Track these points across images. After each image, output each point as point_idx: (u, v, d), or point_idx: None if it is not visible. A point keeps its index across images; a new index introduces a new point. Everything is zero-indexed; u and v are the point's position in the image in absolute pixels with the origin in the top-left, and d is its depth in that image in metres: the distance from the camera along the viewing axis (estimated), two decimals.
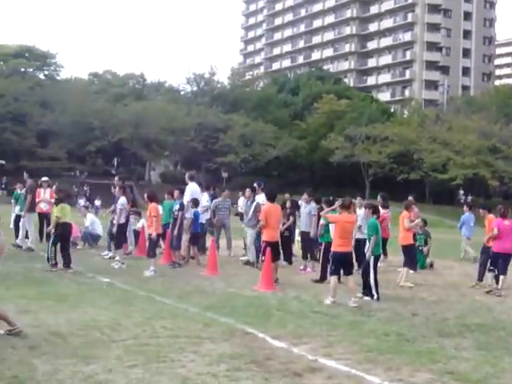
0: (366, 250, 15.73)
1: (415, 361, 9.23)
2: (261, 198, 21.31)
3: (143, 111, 73.43)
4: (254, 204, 20.05)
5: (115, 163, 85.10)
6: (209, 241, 21.31)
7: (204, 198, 21.60)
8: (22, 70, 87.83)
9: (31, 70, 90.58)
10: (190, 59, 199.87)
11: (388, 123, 77.72)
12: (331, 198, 19.92)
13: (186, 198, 20.16)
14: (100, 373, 8.02)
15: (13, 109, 68.69)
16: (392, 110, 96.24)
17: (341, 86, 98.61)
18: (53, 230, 17.72)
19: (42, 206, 22.48)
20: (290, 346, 9.79)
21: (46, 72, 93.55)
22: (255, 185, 22.37)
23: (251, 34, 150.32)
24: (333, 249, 14.34)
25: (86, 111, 71.78)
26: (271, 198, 17.19)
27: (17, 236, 22.35)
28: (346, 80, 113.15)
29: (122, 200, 19.27)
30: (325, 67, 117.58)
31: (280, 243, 17.74)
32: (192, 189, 20.68)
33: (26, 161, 68.47)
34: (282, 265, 19.12)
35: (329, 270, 15.15)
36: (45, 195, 22.75)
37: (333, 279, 14.09)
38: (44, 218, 22.69)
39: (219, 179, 70.64)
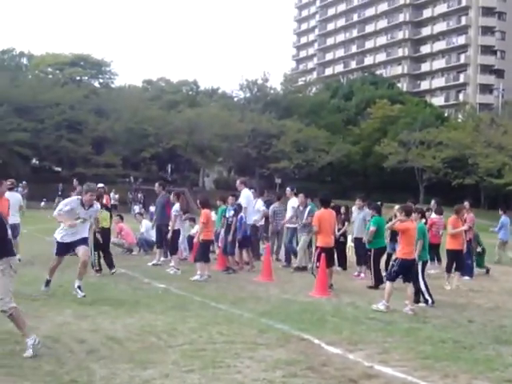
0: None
1: (472, 368, 9.13)
2: (293, 202, 21.42)
3: (197, 118, 73.64)
4: (308, 209, 20.04)
5: (169, 170, 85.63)
6: (263, 247, 21.36)
7: (259, 204, 21.64)
8: (78, 78, 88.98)
9: (86, 78, 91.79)
10: (243, 65, 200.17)
11: (442, 128, 76.89)
12: (379, 203, 19.85)
13: (245, 204, 20.14)
14: (157, 378, 8.10)
15: (68, 117, 69.36)
16: (446, 115, 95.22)
17: (394, 91, 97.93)
18: (91, 237, 18.08)
19: None
20: (345, 353, 9.77)
21: (101, 80, 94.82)
22: (288, 189, 22.52)
23: (304, 40, 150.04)
24: (401, 256, 14.16)
25: (140, 118, 72.23)
26: (325, 204, 17.15)
27: None
28: (399, 85, 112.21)
29: (176, 206, 19.44)
30: (378, 72, 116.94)
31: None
32: (247, 194, 20.70)
33: (81, 168, 69.16)
34: (337, 271, 19.09)
35: (387, 275, 15.02)
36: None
37: (389, 285, 14.01)
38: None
39: (273, 185, 70.61)
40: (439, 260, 20.99)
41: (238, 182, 21.93)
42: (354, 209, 20.90)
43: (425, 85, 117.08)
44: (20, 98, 67.59)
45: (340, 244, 19.95)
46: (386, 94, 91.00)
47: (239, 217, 19.81)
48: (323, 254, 15.89)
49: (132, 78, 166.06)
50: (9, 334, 9.91)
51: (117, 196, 54.28)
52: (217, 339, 10.22)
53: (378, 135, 79.93)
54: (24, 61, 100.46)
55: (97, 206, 14.81)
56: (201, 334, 10.55)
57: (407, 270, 14.08)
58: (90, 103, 73.98)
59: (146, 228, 22.92)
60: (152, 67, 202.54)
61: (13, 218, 19.82)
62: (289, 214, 21.90)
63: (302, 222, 20.26)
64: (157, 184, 21.85)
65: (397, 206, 19.61)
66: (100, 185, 24.08)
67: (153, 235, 22.96)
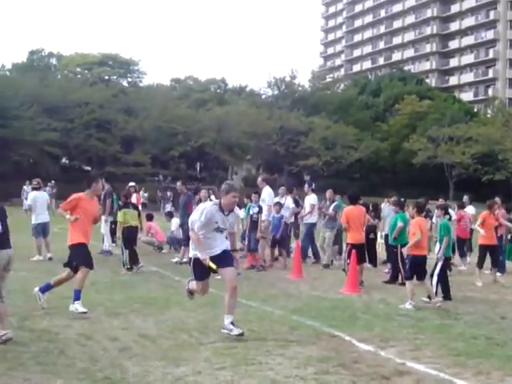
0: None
1: (505, 365, 9.05)
2: (310, 198, 21.39)
3: (225, 116, 73.78)
4: (333, 206, 19.99)
5: (198, 168, 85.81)
6: (293, 244, 21.34)
7: (288, 201, 21.62)
8: (106, 77, 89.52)
9: (115, 77, 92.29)
10: (271, 63, 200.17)
11: (471, 123, 76.31)
12: (403, 199, 19.76)
13: (268, 202, 20.10)
14: (189, 375, 8.14)
15: (98, 116, 69.77)
16: (475, 110, 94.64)
17: (422, 87, 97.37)
18: (119, 235, 18.56)
19: None
20: (377, 349, 9.75)
21: (130, 79, 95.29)
22: (306, 186, 22.54)
23: (331, 37, 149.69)
24: (412, 253, 14.14)
25: (168, 117, 72.43)
26: (353, 201, 17.12)
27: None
28: (427, 80, 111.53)
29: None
30: (406, 68, 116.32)
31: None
32: (269, 192, 20.61)
33: (111, 167, 69.54)
34: (367, 267, 19.05)
35: (404, 274, 14.90)
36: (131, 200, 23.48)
37: (409, 283, 13.97)
38: None
39: (301, 182, 70.50)
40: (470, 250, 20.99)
41: (259, 179, 21.85)
42: (384, 205, 20.82)
43: (453, 80, 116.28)
44: (50, 98, 68.20)
45: (370, 241, 19.88)
46: (414, 89, 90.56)
47: (279, 215, 19.83)
48: (353, 251, 15.87)
49: (160, 76, 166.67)
50: (43, 332, 10.03)
51: (146, 194, 54.52)
52: (248, 336, 10.24)
53: (407, 131, 79.58)
54: (53, 61, 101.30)
55: (237, 210, 11.92)
56: None
57: (419, 267, 14.06)
58: (118, 102, 74.39)
59: (176, 226, 22.97)
60: (180, 66, 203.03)
61: (42, 217, 20.10)
62: (307, 210, 21.88)
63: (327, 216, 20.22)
64: (179, 183, 22.00)
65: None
66: (131, 183, 24.42)
67: None
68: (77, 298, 11.59)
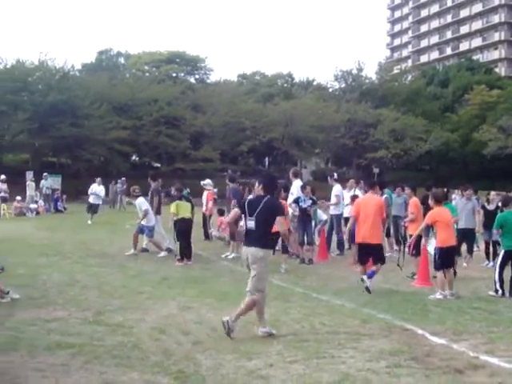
0: None
1: None
2: (336, 188, 21.24)
3: (292, 110, 73.61)
4: (384, 197, 19.73)
5: (267, 162, 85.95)
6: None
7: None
8: (174, 75, 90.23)
9: (182, 74, 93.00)
10: (337, 56, 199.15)
11: None
12: (445, 190, 19.49)
13: (296, 194, 19.87)
14: (262, 368, 8.20)
15: (166, 113, 70.37)
16: None
17: (492, 76, 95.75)
18: (171, 226, 19.08)
19: (203, 208, 23.74)
20: (449, 343, 9.67)
21: (197, 76, 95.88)
22: (328, 177, 22.42)
23: (397, 28, 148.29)
24: (438, 245, 14.00)
25: (236, 112, 72.64)
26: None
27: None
28: (496, 70, 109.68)
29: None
30: (474, 57, 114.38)
31: None
32: (298, 185, 20.40)
33: (180, 163, 70.23)
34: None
35: (434, 265, 14.61)
36: (203, 197, 24.42)
37: (439, 274, 13.83)
38: (204, 218, 24.36)
39: (370, 175, 70.11)
40: None
41: (290, 173, 21.57)
42: (456, 197, 20.53)
43: None
44: (119, 96, 69.23)
45: None
46: (483, 79, 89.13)
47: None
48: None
49: (227, 72, 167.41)
50: (118, 327, 10.20)
51: (215, 190, 54.79)
52: (319, 330, 10.27)
53: (477, 122, 78.30)
54: (121, 60, 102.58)
55: None
56: (303, 324, 10.62)
57: (447, 257, 13.92)
58: (186, 99, 74.92)
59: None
60: (247, 61, 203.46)
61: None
62: (333, 201, 21.73)
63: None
64: (227, 176, 22.22)
65: (493, 192, 19.22)
66: (207, 181, 24.69)
67: None
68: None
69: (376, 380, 7.81)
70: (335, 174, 22.87)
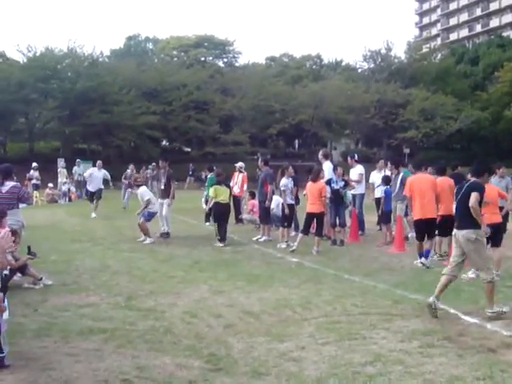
0: None
1: None
2: (358, 169, 21.11)
3: (322, 91, 73.27)
4: (400, 177, 19.55)
5: (296, 145, 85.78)
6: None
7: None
8: (202, 59, 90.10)
9: (211, 58, 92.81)
10: (366, 36, 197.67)
11: None
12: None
13: (327, 176, 19.75)
14: (293, 350, 8.18)
15: (195, 97, 70.41)
16: None
17: None
18: (207, 209, 20.23)
19: (235, 190, 23.59)
20: (482, 322, 9.60)
21: (225, 59, 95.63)
22: (348, 158, 22.28)
23: (426, 6, 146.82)
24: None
25: (265, 95, 72.43)
26: (441, 172, 16.73)
27: (208, 219, 23.36)
28: None
29: (284, 181, 19.31)
30: (504, 34, 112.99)
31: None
32: (328, 166, 20.30)
33: (210, 147, 70.36)
34: None
35: None
36: (237, 179, 24.55)
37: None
38: (236, 201, 24.35)
39: (401, 155, 69.71)
40: None
41: (320, 154, 21.48)
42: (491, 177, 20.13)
43: None
44: (148, 82, 69.42)
45: None
46: None
47: (385, 189, 19.60)
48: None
49: (255, 55, 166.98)
50: (149, 311, 10.25)
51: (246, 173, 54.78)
52: (351, 311, 10.24)
53: (508, 99, 77.37)
54: (149, 46, 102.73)
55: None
56: (335, 306, 10.59)
57: (494, 235, 13.48)
58: (215, 83, 74.88)
59: (277, 203, 23.03)
60: (275, 44, 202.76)
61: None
62: (356, 179, 21.51)
63: (395, 189, 19.63)
64: (260, 159, 22.17)
65: None
66: (240, 164, 24.77)
67: None
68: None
69: (408, 360, 7.76)
70: (355, 155, 22.70)
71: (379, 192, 20.73)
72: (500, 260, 13.76)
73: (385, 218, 19.75)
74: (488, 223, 13.38)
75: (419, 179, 15.82)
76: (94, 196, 29.19)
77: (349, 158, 22.54)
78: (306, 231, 17.61)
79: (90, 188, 29.80)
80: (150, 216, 19.77)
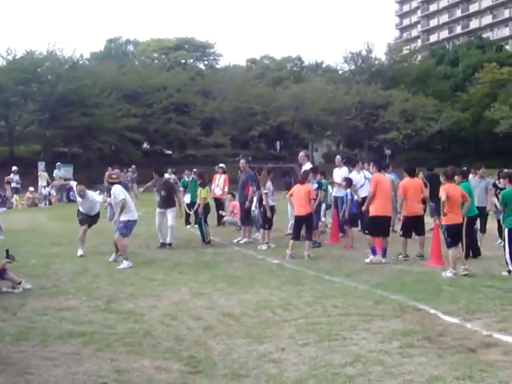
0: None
1: None
2: (343, 170, 21.04)
3: (302, 93, 73.33)
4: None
5: (278, 147, 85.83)
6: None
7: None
8: (183, 61, 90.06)
9: (191, 60, 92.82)
10: (346, 38, 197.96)
11: None
12: (465, 168, 19.37)
13: None
14: (273, 351, 8.17)
15: (176, 100, 70.31)
16: None
17: (502, 54, 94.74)
18: (201, 211, 19.39)
19: (216, 192, 23.77)
20: (463, 322, 9.61)
21: (206, 62, 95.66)
22: (338, 157, 22.22)
23: (406, 8, 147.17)
24: (445, 222, 14.00)
25: (246, 97, 72.39)
26: (411, 173, 16.91)
27: (189, 222, 23.36)
28: (507, 47, 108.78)
29: (268, 184, 19.19)
30: (484, 35, 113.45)
31: None
32: (309, 168, 20.19)
33: (191, 149, 70.35)
34: None
35: (446, 242, 14.53)
36: (219, 181, 24.34)
37: (451, 252, 13.86)
38: (220, 203, 24.45)
39: (382, 156, 69.87)
40: None
41: (300, 154, 21.37)
42: (471, 177, 20.20)
43: None
44: (128, 84, 69.25)
45: None
46: (493, 57, 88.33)
47: (347, 192, 19.45)
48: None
49: (236, 57, 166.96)
50: (129, 314, 10.22)
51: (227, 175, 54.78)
52: (332, 312, 10.24)
53: (488, 100, 77.75)
54: (130, 48, 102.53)
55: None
56: (315, 307, 10.59)
57: (456, 234, 14.06)
58: (196, 85, 74.79)
59: (257, 205, 23.04)
60: (255, 46, 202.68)
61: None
62: (339, 181, 21.32)
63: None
64: (243, 160, 21.99)
65: (505, 170, 19.01)
66: (221, 165, 24.83)
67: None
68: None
69: (388, 360, 7.76)
70: (345, 156, 22.81)
71: (364, 192, 20.64)
72: (462, 257, 14.34)
73: (350, 221, 19.54)
74: (450, 223, 13.76)
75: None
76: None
77: (340, 158, 22.23)
78: (297, 236, 17.15)
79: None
80: (128, 228, 16.07)
